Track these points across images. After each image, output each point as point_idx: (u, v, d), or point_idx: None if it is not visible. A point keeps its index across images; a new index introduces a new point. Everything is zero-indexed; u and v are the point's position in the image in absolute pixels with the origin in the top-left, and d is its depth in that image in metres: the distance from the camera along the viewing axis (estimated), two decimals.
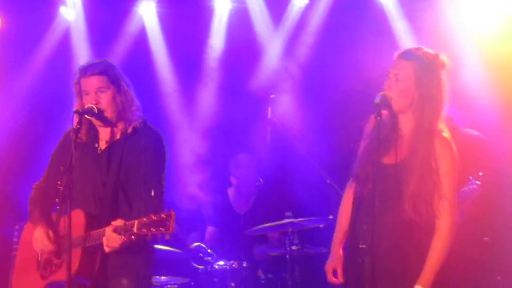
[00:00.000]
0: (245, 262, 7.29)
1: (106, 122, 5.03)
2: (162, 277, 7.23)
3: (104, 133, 5.12)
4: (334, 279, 4.85)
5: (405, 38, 8.16)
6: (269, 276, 7.34)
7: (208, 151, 8.78)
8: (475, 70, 7.71)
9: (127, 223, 4.62)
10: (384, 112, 4.65)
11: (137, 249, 4.88)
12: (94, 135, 5.14)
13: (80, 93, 5.07)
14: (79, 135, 4.92)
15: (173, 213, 4.53)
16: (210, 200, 8.28)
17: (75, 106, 5.06)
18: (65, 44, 8.95)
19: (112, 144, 5.07)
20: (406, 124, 4.71)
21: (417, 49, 4.76)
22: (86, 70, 5.06)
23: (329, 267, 4.89)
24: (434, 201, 4.54)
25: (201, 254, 7.38)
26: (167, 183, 5.17)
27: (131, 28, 9.09)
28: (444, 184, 4.56)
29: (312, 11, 8.82)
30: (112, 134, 5.10)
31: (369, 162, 4.60)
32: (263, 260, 7.69)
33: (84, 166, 5.01)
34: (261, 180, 8.22)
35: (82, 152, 4.99)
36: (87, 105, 4.96)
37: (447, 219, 4.52)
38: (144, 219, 4.55)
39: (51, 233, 4.98)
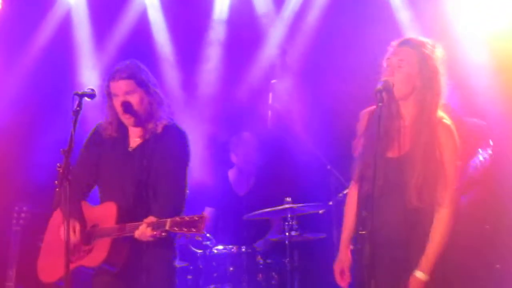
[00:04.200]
0: (244, 247, 7.28)
1: (138, 119, 5.27)
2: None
3: (134, 131, 5.37)
4: (341, 280, 4.79)
5: (408, 27, 8.12)
6: (268, 261, 7.32)
7: (209, 134, 8.76)
8: (478, 62, 7.69)
9: (160, 220, 4.88)
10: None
11: (166, 243, 5.17)
12: (124, 133, 5.38)
13: (109, 95, 5.33)
14: (76, 121, 4.93)
15: (206, 215, 4.82)
16: (209, 181, 8.27)
17: (107, 107, 5.35)
18: (65, 27, 8.90)
19: (142, 143, 5.32)
20: (407, 112, 4.71)
21: (418, 38, 4.81)
22: (114, 75, 5.31)
23: (337, 267, 4.84)
24: (438, 190, 4.57)
25: (199, 238, 7.37)
26: None
27: (132, 10, 9.04)
28: (448, 173, 4.59)
29: None
30: (142, 132, 5.33)
31: (371, 157, 4.58)
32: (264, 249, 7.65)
33: (114, 163, 5.31)
34: (261, 161, 8.17)
35: (112, 149, 5.31)
36: (88, 87, 5.04)
37: (449, 208, 4.56)
38: (177, 218, 4.83)
39: (78, 226, 5.15)
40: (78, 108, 4.88)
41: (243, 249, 7.26)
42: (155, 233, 4.87)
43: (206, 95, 8.98)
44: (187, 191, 5.34)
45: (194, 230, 4.76)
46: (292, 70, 8.76)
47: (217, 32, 9.04)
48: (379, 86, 4.59)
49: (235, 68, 8.96)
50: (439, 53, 4.74)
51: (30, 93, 8.48)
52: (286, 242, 7.14)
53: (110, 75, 5.34)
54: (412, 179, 4.55)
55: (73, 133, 4.74)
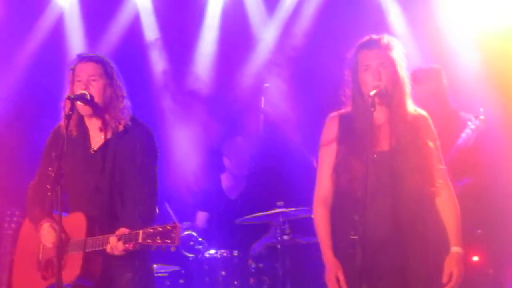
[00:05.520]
0: (236, 251, 7.28)
1: (97, 110, 5.01)
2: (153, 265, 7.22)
3: (94, 131, 5.11)
4: None
5: (399, 30, 8.14)
6: (260, 265, 7.32)
7: (202, 138, 8.76)
8: (470, 62, 7.71)
9: (132, 232, 4.67)
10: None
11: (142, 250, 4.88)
12: (84, 132, 5.12)
13: (72, 81, 5.08)
14: (69, 125, 4.88)
15: (178, 224, 4.61)
16: (202, 185, 8.26)
17: (67, 94, 5.04)
18: (58, 31, 8.89)
19: (104, 144, 5.07)
20: (381, 109, 4.74)
21: (380, 38, 4.84)
22: (84, 57, 5.11)
23: (331, 277, 4.71)
24: (433, 173, 4.73)
25: (191, 243, 7.37)
26: (162, 174, 5.18)
27: (125, 13, 9.05)
28: (438, 157, 4.77)
29: (307, 0, 8.80)
30: (103, 132, 5.08)
31: (359, 154, 4.58)
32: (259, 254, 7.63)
33: (76, 167, 4.99)
34: (253, 164, 8.16)
35: (72, 151, 4.91)
36: (79, 91, 4.95)
37: (449, 185, 4.78)
38: (150, 229, 4.62)
39: (55, 225, 4.89)
40: (70, 112, 4.85)
41: (235, 253, 7.27)
42: (127, 246, 4.67)
43: (199, 99, 8.98)
44: (157, 195, 5.08)
45: (169, 242, 4.57)
46: (284, 74, 8.77)
47: (209, 35, 9.05)
48: (373, 91, 4.61)
49: (228, 72, 8.96)
50: (400, 46, 4.83)
51: (23, 97, 8.46)
52: (278, 246, 7.14)
53: (79, 57, 5.12)
54: (414, 164, 4.66)
55: (65, 137, 4.71)
